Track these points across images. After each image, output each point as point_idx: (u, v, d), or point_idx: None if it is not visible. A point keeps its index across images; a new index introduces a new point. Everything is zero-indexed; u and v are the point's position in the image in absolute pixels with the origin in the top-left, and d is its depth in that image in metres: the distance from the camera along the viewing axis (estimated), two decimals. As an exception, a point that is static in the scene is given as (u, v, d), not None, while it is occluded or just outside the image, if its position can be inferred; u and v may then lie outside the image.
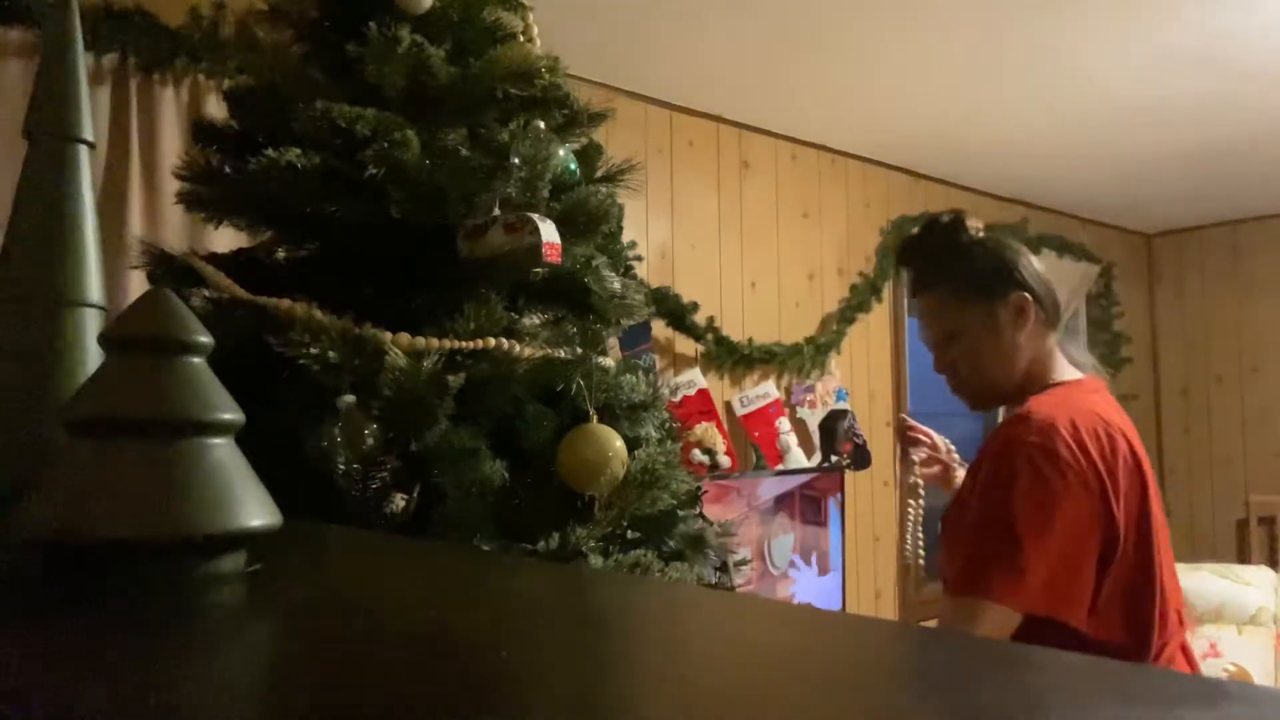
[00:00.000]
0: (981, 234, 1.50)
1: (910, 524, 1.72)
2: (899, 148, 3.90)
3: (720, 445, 3.12)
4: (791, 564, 3.16)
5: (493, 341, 1.08)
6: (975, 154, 3.96)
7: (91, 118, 0.74)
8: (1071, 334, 4.89)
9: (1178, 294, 5.44)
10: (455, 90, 1.17)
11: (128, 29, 2.07)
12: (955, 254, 1.45)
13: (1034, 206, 4.73)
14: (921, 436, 1.73)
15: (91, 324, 0.70)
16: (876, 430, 3.86)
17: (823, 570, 3.29)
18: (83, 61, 0.74)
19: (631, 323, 1.38)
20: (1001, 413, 1.45)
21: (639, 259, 2.86)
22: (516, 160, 1.13)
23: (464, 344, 1.06)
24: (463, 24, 1.23)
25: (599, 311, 1.26)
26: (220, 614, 0.46)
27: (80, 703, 0.31)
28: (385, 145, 1.08)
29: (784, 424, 3.47)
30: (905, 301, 4.03)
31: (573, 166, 1.25)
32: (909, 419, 1.77)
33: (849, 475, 3.54)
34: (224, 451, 0.51)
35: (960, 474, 1.71)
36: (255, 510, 0.50)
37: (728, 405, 3.41)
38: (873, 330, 4.01)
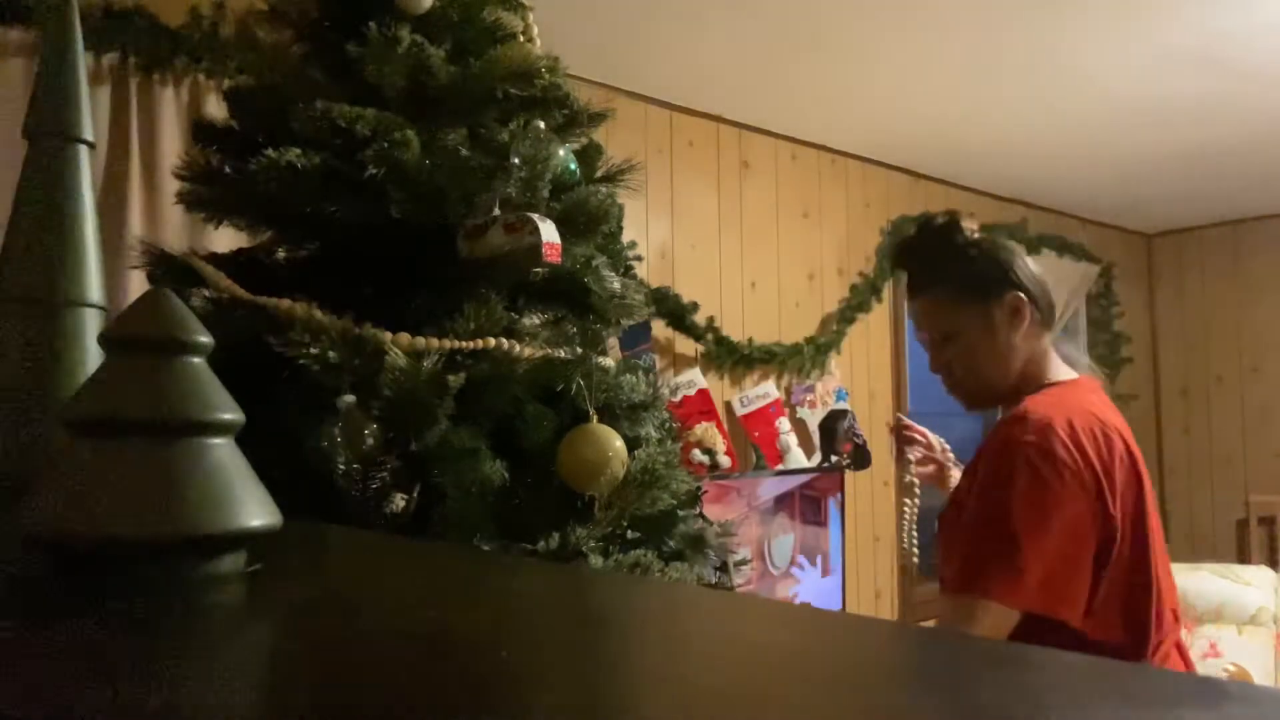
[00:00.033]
0: (977, 235, 1.50)
1: (906, 522, 1.73)
2: (899, 148, 3.90)
3: (720, 445, 3.12)
4: (794, 563, 3.16)
5: (493, 341, 1.08)
6: (975, 154, 3.96)
7: (91, 118, 0.74)
8: (1072, 334, 4.89)
9: (1178, 294, 5.44)
10: (455, 90, 1.17)
11: (128, 29, 2.07)
12: (951, 255, 1.46)
13: (1034, 206, 4.73)
14: (916, 435, 1.75)
15: (91, 324, 0.70)
16: (876, 430, 3.86)
17: (823, 570, 3.29)
18: (83, 61, 0.74)
19: (631, 323, 1.38)
20: (999, 413, 1.46)
21: (639, 259, 2.85)
22: (516, 160, 1.13)
23: (464, 344, 1.06)
24: (463, 24, 1.23)
25: (599, 311, 1.26)
26: (220, 614, 0.46)
27: (80, 703, 0.31)
28: (385, 145, 1.08)
29: (784, 424, 3.47)
30: (905, 302, 4.03)
31: (573, 166, 1.25)
32: (904, 418, 1.79)
33: (849, 475, 3.54)
34: (224, 451, 0.51)
35: (955, 473, 1.72)
36: (255, 510, 0.50)
37: (728, 405, 3.41)
38: (873, 330, 4.01)
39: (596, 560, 1.07)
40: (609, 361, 1.21)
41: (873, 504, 3.91)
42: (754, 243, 3.59)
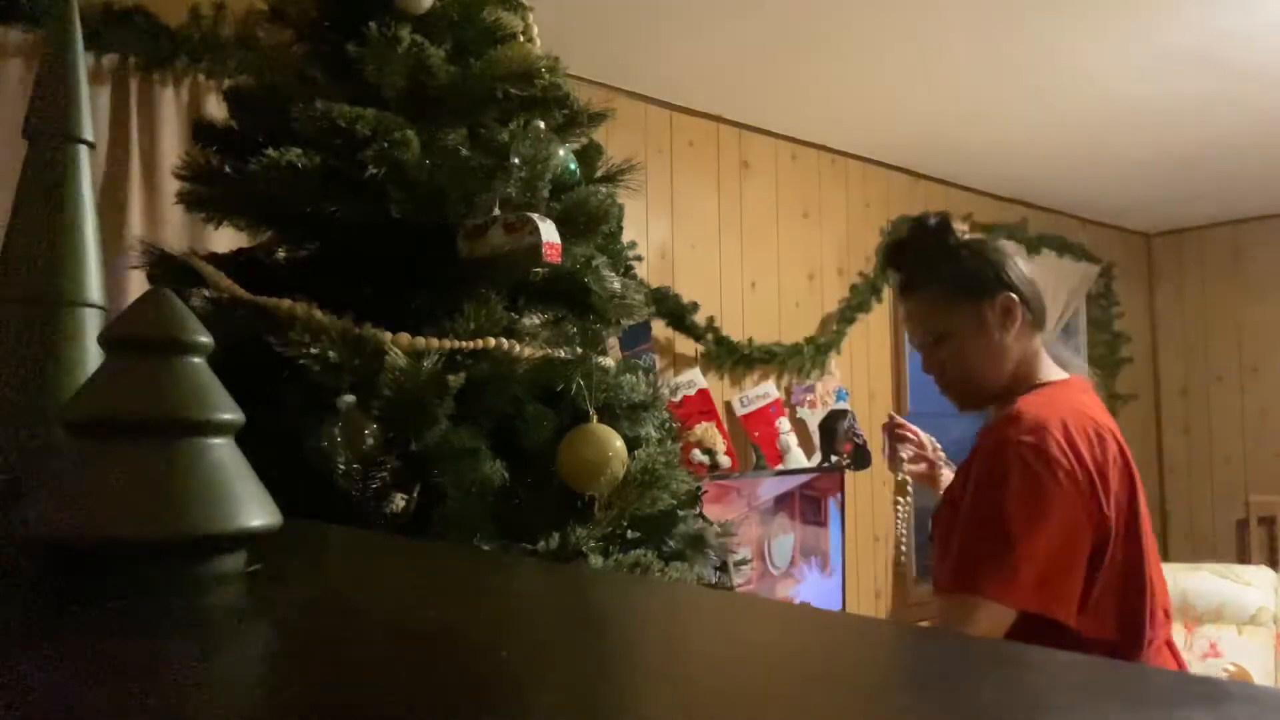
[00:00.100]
0: (969, 236, 1.51)
1: (899, 520, 1.74)
2: (899, 148, 3.90)
3: (720, 445, 3.12)
4: (794, 563, 3.16)
5: (493, 341, 1.08)
6: (975, 154, 3.96)
7: (91, 118, 0.74)
8: (1071, 334, 4.89)
9: (1177, 294, 5.44)
10: (455, 90, 1.17)
11: (128, 29, 2.07)
12: (943, 256, 1.47)
13: (1034, 206, 4.73)
14: (908, 434, 1.76)
15: (91, 324, 0.70)
16: (876, 430, 3.84)
17: (823, 570, 3.29)
18: (83, 61, 0.74)
19: (631, 323, 1.39)
20: (992, 413, 1.47)
21: (639, 259, 2.85)
22: (516, 160, 1.13)
23: (464, 344, 1.06)
24: (463, 24, 1.23)
25: (599, 311, 1.26)
26: (220, 614, 0.46)
27: (81, 703, 0.31)
28: (385, 145, 1.08)
29: (784, 424, 3.47)
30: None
31: (573, 166, 1.25)
32: (898, 417, 1.80)
33: (849, 475, 3.53)
34: (224, 451, 0.51)
35: (946, 473, 1.73)
36: (255, 510, 0.50)
37: (728, 405, 3.41)
38: (873, 330, 4.01)
39: (596, 560, 1.07)
40: (609, 361, 1.21)
41: (872, 504, 3.91)
42: (754, 243, 3.59)
